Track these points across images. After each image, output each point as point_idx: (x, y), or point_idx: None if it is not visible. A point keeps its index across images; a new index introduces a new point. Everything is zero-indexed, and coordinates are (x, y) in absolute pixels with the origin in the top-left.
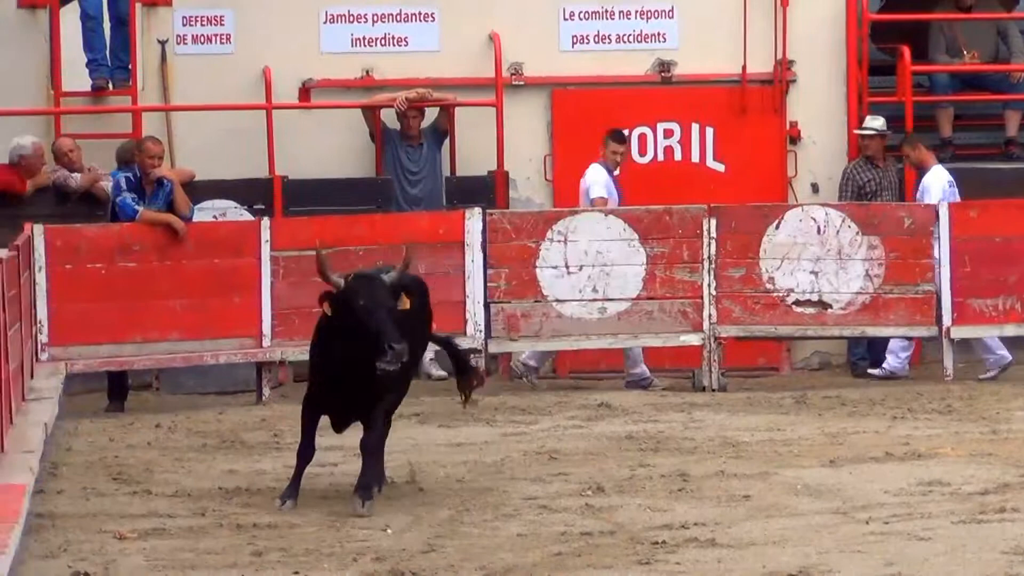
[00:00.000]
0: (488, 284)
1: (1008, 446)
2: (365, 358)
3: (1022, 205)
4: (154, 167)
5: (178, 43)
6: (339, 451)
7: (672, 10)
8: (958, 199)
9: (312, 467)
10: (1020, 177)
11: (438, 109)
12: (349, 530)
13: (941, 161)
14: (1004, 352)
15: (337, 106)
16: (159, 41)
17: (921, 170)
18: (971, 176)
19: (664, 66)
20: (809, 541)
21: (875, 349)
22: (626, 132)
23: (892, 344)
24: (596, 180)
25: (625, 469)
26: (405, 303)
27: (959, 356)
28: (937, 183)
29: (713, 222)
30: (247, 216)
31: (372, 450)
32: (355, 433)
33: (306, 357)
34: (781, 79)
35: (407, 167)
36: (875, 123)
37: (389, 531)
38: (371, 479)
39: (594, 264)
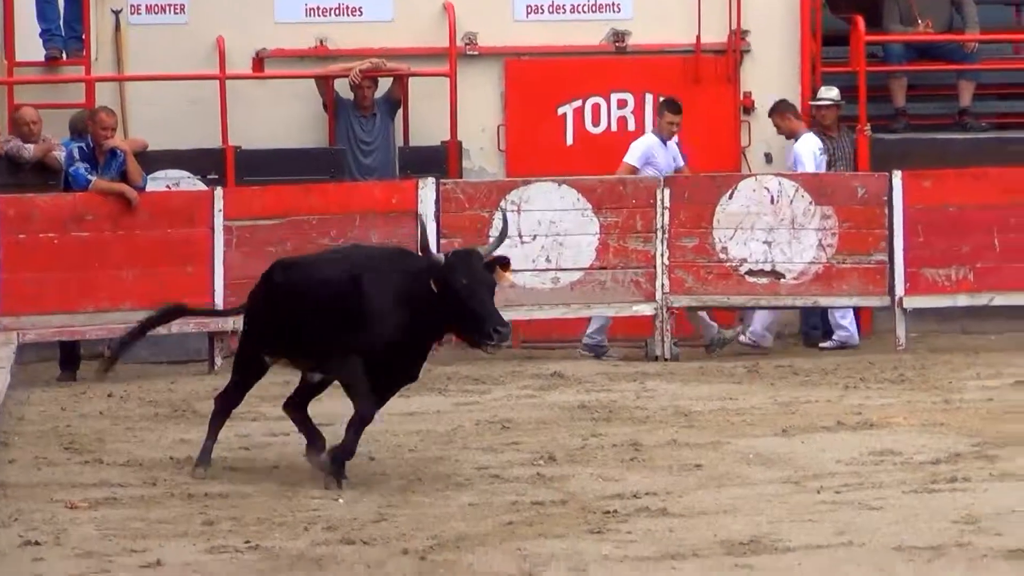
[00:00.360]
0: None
1: (960, 415)
2: (430, 334)
3: (976, 175)
4: (107, 138)
5: (132, 13)
6: (289, 421)
7: None
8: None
9: (264, 436)
10: (973, 147)
11: (391, 79)
12: (301, 499)
13: (895, 131)
14: (853, 331)
15: (290, 76)
16: (113, 11)
17: (792, 138)
18: (925, 146)
19: (618, 36)
20: (760, 510)
21: (828, 319)
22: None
23: (833, 317)
24: (635, 146)
25: (577, 439)
26: (506, 278)
27: (912, 326)
28: (807, 150)
29: (666, 192)
30: (200, 186)
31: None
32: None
33: None
34: (735, 49)
35: (360, 137)
36: (829, 93)
37: (341, 500)
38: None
39: (547, 234)
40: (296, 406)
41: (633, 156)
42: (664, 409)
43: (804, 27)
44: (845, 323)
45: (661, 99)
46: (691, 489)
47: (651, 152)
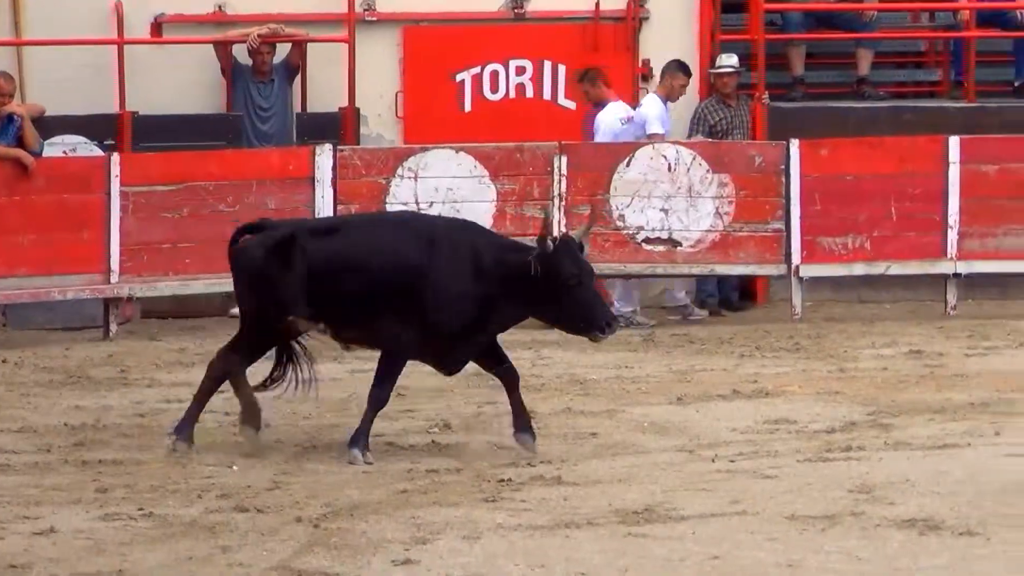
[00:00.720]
0: None
1: (855, 384)
2: (510, 317)
3: (873, 144)
4: (3, 104)
5: None
6: (186, 387)
7: None
8: (659, 131)
9: (158, 403)
10: (871, 116)
11: (289, 45)
12: (195, 467)
13: (792, 100)
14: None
15: (189, 41)
16: None
17: (598, 106)
18: (822, 115)
19: (517, 3)
20: (655, 479)
21: (722, 288)
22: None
23: (618, 296)
24: (653, 114)
25: (472, 406)
26: None
27: (808, 295)
28: (608, 119)
29: (563, 160)
30: (97, 152)
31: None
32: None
33: (155, 293)
34: (634, 16)
35: (258, 103)
36: (729, 61)
37: (235, 468)
38: (358, 437)
39: (444, 201)
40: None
41: (657, 125)
42: (559, 377)
43: None
44: (680, 294)
45: (670, 61)
46: (585, 458)
47: (663, 115)
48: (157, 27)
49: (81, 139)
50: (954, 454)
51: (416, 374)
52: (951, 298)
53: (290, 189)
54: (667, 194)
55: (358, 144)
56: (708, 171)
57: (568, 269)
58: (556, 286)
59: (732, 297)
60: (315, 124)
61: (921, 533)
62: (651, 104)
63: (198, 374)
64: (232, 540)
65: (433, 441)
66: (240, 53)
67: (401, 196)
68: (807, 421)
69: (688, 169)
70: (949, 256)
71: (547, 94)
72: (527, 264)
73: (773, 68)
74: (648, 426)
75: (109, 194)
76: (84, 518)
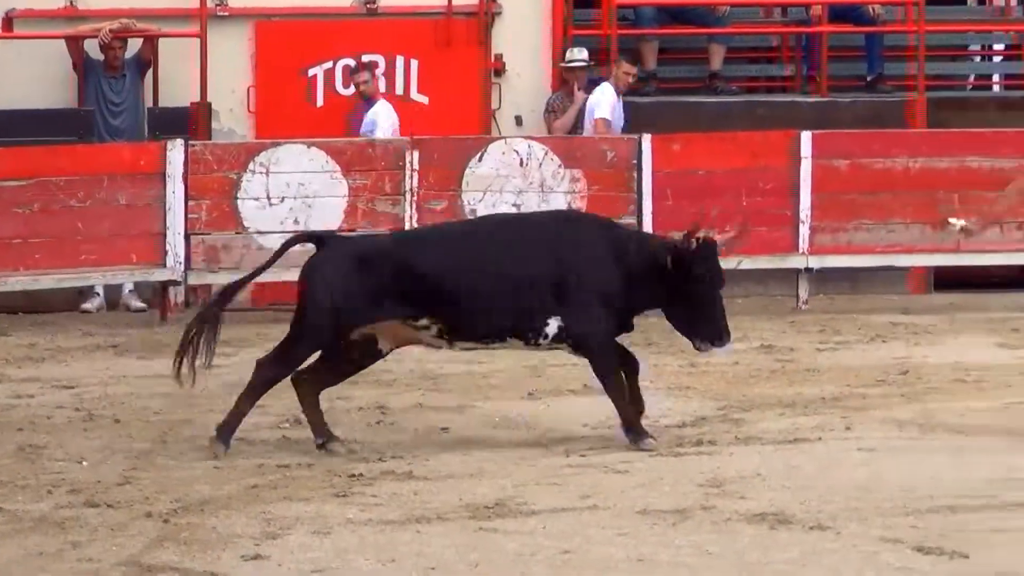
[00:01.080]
0: (188, 216)
1: (706, 379)
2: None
3: (725, 139)
4: None
5: None
6: (35, 383)
7: None
8: (606, 116)
9: (7, 398)
10: (724, 111)
11: (141, 40)
12: (44, 462)
13: (645, 95)
14: None
15: (40, 36)
16: None
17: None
18: (675, 109)
19: None
20: (507, 473)
21: None
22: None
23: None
24: (601, 101)
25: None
26: None
27: None
28: (378, 117)
29: (415, 154)
30: None
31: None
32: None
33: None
34: (486, 11)
35: (109, 98)
36: (580, 55)
37: (84, 463)
38: (630, 422)
39: (296, 196)
40: (314, 383)
41: (604, 110)
42: (411, 372)
43: None
44: None
45: (623, 51)
46: (437, 452)
47: (616, 105)
48: (8, 22)
49: None
50: (805, 449)
51: None
52: (803, 293)
53: (141, 184)
54: (519, 189)
55: (210, 139)
56: (560, 166)
57: (699, 268)
58: (685, 283)
59: None
60: (167, 119)
61: (771, 527)
62: (604, 91)
63: (48, 369)
64: (82, 535)
65: (284, 436)
66: (92, 48)
67: (252, 191)
68: (658, 416)
69: (540, 164)
70: (801, 251)
71: (399, 89)
72: (666, 254)
73: None
74: (500, 421)
75: None
76: None
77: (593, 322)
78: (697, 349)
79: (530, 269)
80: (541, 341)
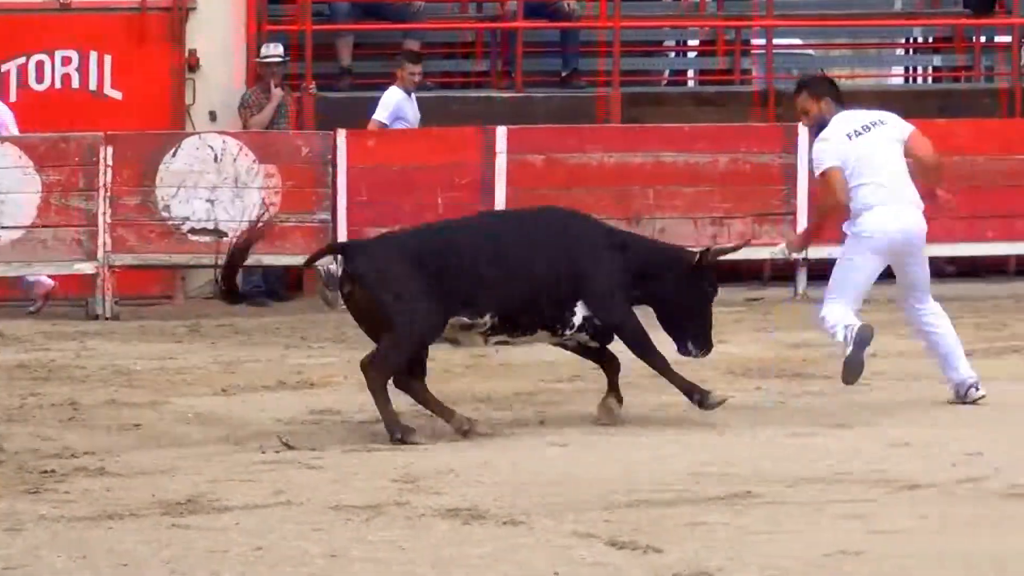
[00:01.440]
0: None
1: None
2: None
3: (420, 134)
4: None
5: None
6: None
7: None
8: (382, 120)
9: None
10: (420, 106)
11: None
12: None
13: (339, 90)
14: None
15: None
16: None
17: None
18: (370, 105)
19: None
20: (200, 470)
21: (268, 278)
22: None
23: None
24: (384, 103)
25: (16, 398)
26: None
27: None
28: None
29: (110, 150)
30: None
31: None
32: None
33: None
34: (180, 7)
35: None
36: (275, 51)
37: None
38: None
39: None
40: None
41: (382, 113)
42: (104, 368)
43: None
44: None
45: (402, 52)
46: (129, 449)
47: (400, 107)
48: None
49: None
50: (498, 444)
51: None
52: None
53: None
54: (213, 184)
55: None
56: (255, 161)
57: (713, 282)
58: (692, 291)
59: (278, 288)
60: None
61: (465, 522)
62: (388, 94)
63: None
64: None
65: None
66: None
67: None
68: (352, 412)
69: (235, 159)
70: None
71: (93, 85)
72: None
73: (322, 58)
74: (193, 417)
75: None
76: None
77: (619, 310)
78: (681, 353)
79: (557, 263)
80: (567, 332)
